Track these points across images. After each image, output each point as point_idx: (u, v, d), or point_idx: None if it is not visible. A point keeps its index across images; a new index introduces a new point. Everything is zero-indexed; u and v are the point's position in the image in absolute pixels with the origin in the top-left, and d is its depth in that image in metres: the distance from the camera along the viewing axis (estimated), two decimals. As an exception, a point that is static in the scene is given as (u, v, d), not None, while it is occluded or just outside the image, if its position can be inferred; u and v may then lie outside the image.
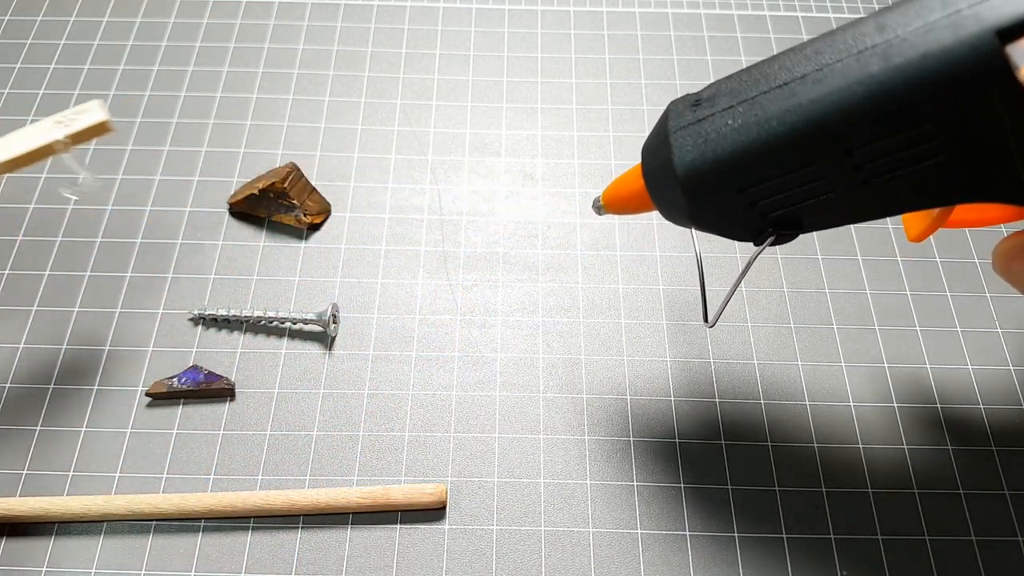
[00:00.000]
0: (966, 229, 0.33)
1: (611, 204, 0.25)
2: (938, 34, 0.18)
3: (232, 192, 0.34)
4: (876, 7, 0.41)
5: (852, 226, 0.33)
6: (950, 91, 0.18)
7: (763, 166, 0.21)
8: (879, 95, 0.19)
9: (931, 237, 0.33)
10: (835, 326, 0.31)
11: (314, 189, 0.34)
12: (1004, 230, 0.33)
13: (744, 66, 0.38)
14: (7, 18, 0.40)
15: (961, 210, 0.24)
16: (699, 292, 0.32)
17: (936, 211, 0.23)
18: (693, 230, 0.27)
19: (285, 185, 0.32)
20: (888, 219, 0.33)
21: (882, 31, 0.19)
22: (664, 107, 0.37)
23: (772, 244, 0.23)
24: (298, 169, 0.34)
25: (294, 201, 0.32)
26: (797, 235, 0.22)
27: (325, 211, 0.33)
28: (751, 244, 0.23)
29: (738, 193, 0.21)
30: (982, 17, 0.17)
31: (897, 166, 0.20)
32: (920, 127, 0.19)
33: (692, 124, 0.22)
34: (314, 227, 0.33)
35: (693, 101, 0.22)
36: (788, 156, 0.20)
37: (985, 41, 0.17)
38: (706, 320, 0.27)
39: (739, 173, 0.21)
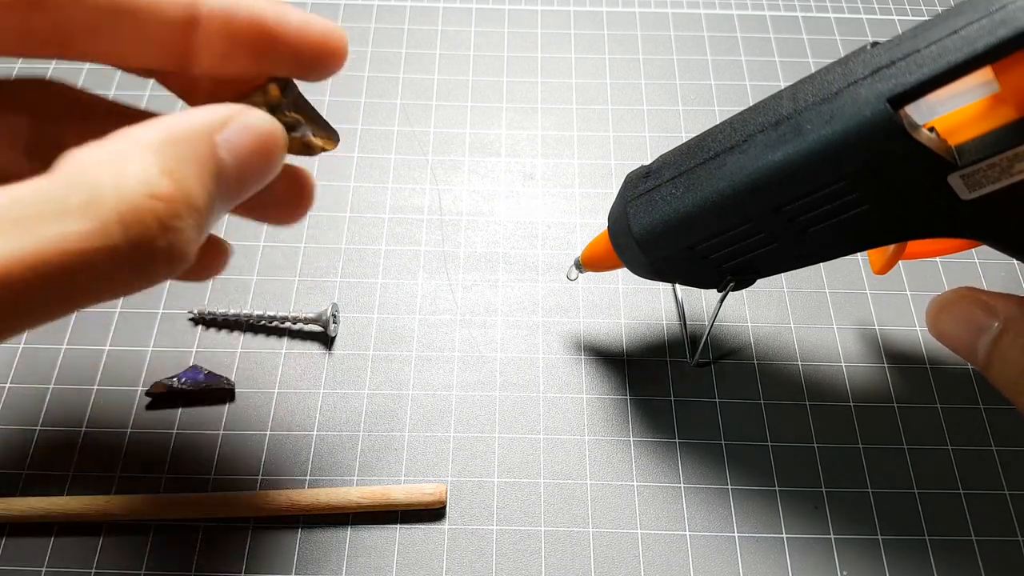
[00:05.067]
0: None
1: (588, 264, 0.29)
2: (841, 102, 0.20)
3: None
4: (874, 7, 0.41)
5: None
6: (855, 152, 0.20)
7: (705, 226, 0.23)
8: (795, 159, 0.21)
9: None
10: (835, 326, 0.31)
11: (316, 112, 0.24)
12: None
13: (743, 65, 0.38)
14: (7, 18, 0.40)
15: (916, 243, 0.26)
16: (702, 290, 0.32)
17: (891, 247, 0.25)
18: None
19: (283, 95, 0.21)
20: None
21: (795, 100, 0.21)
22: (664, 107, 0.37)
23: (734, 289, 0.25)
24: (292, 82, 0.22)
25: (296, 116, 0.22)
26: (755, 280, 0.25)
27: (333, 138, 0.24)
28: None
29: (688, 250, 0.24)
30: (876, 88, 0.19)
31: (828, 217, 0.22)
32: (836, 184, 0.21)
33: (643, 194, 0.24)
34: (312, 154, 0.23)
35: (644, 173, 0.25)
36: (726, 217, 0.23)
37: (879, 108, 0.19)
38: (690, 358, 0.30)
39: (686, 234, 0.24)
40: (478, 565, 0.26)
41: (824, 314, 0.31)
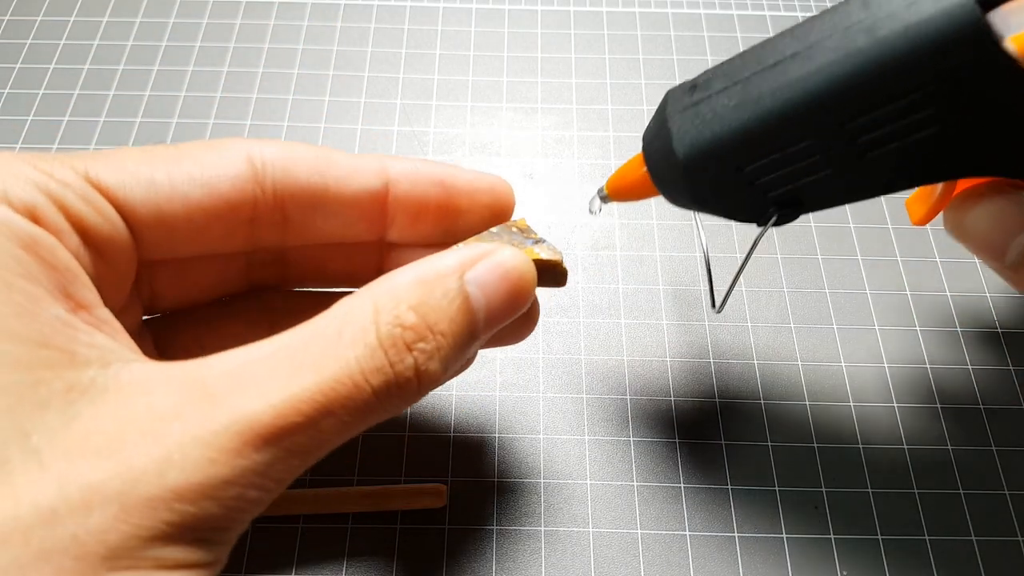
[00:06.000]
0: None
1: (616, 193, 0.25)
2: (921, 6, 0.18)
3: None
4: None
5: (852, 226, 0.33)
6: (934, 60, 0.18)
7: (758, 143, 0.21)
8: (866, 67, 0.19)
9: (930, 237, 0.33)
10: (835, 326, 0.31)
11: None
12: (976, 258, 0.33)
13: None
14: (7, 18, 0.40)
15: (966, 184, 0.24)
16: (701, 290, 0.32)
17: (937, 193, 0.23)
18: (697, 219, 0.27)
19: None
20: (889, 221, 0.33)
21: (867, 7, 0.19)
22: (664, 107, 0.37)
23: (775, 224, 0.23)
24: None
25: (537, 236, 0.23)
26: (799, 215, 0.23)
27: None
28: (753, 237, 0.24)
29: (736, 172, 0.21)
30: None
31: (890, 138, 0.20)
32: (908, 97, 0.19)
33: (689, 107, 0.22)
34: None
35: (690, 86, 0.23)
36: (782, 132, 0.20)
37: (966, 10, 0.17)
38: (714, 306, 0.27)
39: (736, 151, 0.21)
40: (478, 565, 0.26)
41: (824, 314, 0.31)
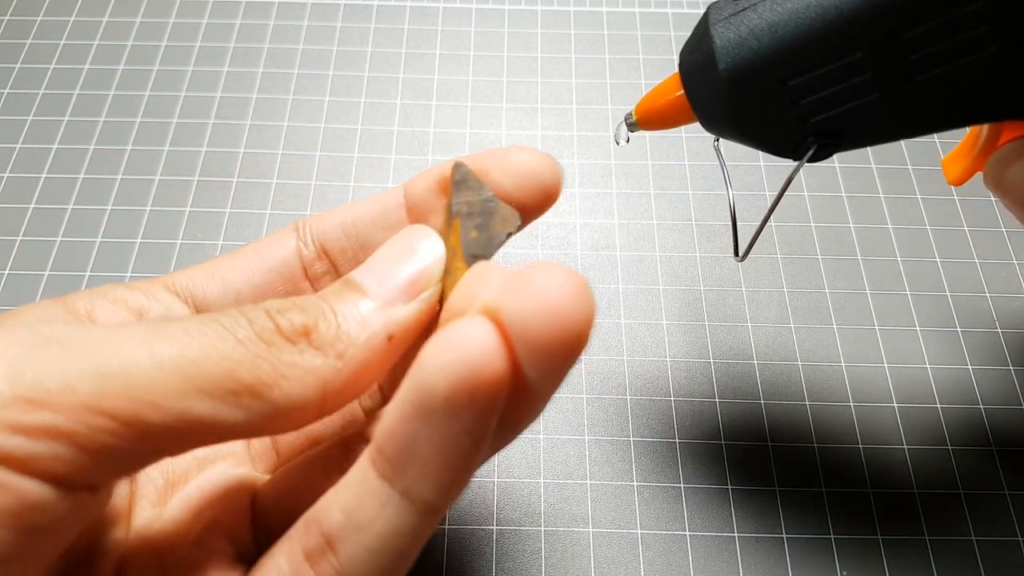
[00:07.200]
0: (967, 232, 0.33)
1: (646, 119, 0.24)
2: None
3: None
4: None
5: (852, 226, 0.33)
6: None
7: (806, 53, 0.20)
8: None
9: (930, 237, 0.33)
10: (835, 326, 0.31)
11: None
12: (976, 258, 0.33)
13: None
14: (7, 18, 0.40)
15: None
16: (701, 289, 0.32)
17: (976, 150, 0.23)
18: (724, 162, 0.26)
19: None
20: (889, 220, 0.33)
21: None
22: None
23: (811, 159, 0.22)
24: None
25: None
26: (836, 151, 0.22)
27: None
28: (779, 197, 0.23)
29: (780, 86, 0.21)
30: None
31: (942, 58, 0.19)
32: (969, 5, 0.18)
33: (733, 15, 0.21)
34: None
35: None
36: (832, 41, 0.20)
37: None
38: (736, 254, 0.26)
39: (781, 61, 0.20)
40: (478, 565, 0.26)
41: (824, 314, 0.31)
